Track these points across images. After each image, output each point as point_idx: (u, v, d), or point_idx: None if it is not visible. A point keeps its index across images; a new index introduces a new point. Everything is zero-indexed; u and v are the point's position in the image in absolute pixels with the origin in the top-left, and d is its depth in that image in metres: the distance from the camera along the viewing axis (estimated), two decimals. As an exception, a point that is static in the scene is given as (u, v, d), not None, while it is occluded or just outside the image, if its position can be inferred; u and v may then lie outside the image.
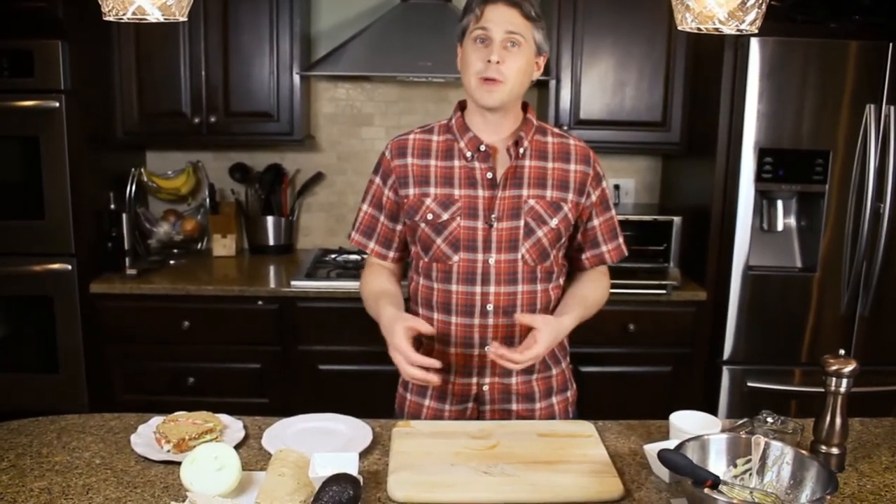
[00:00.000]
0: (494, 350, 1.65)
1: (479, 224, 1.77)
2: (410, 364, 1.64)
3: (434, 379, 1.66)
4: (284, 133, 3.28)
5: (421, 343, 1.84)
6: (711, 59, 3.05)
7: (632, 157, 3.65)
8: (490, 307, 1.78)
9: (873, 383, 2.99)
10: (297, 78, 3.22)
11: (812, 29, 2.94)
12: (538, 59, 1.77)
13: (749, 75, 2.87)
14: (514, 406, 1.85)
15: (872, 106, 2.87)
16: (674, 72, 3.22)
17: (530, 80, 1.77)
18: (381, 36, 3.18)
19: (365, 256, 1.99)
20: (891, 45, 2.85)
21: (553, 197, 1.78)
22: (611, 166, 3.62)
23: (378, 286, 1.87)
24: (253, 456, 1.61)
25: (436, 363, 1.66)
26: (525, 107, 1.83)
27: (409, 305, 1.89)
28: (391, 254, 1.91)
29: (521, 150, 1.78)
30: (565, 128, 3.23)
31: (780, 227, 3.04)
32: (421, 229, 1.80)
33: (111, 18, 1.42)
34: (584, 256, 1.91)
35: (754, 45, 2.86)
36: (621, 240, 1.93)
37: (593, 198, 1.84)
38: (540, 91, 3.50)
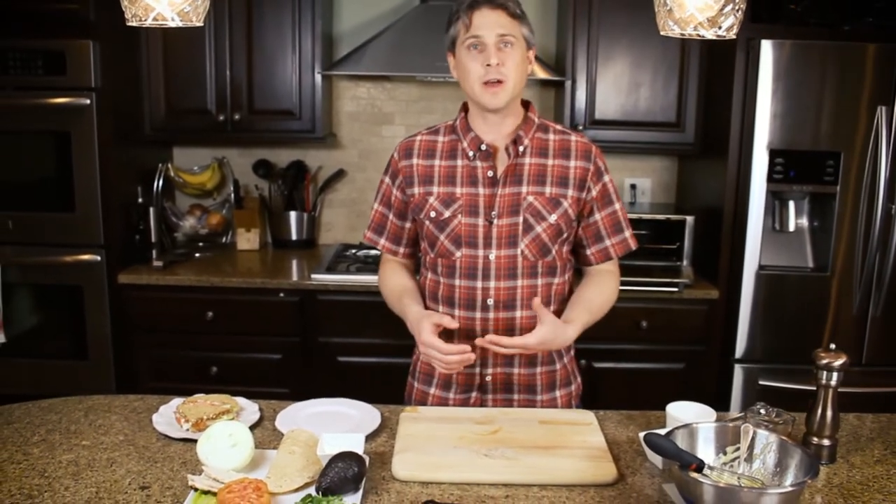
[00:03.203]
0: (489, 338, 1.73)
1: (480, 221, 1.83)
2: (445, 354, 1.71)
3: (471, 356, 1.73)
4: (307, 130, 3.36)
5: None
6: (724, 60, 3.08)
7: (648, 156, 3.68)
8: (490, 301, 1.84)
9: (885, 384, 3.01)
10: (318, 77, 3.30)
11: (825, 31, 2.95)
12: (528, 54, 1.83)
13: (760, 77, 2.89)
14: (515, 396, 1.91)
15: (884, 108, 2.88)
16: (688, 73, 3.25)
17: (527, 76, 1.84)
18: (402, 36, 3.25)
19: (382, 252, 2.06)
20: (903, 47, 2.86)
21: (552, 193, 1.83)
22: (627, 166, 3.66)
23: (398, 283, 1.95)
24: (267, 436, 1.69)
25: (466, 348, 1.72)
26: (527, 106, 1.89)
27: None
28: (401, 250, 1.99)
29: (521, 149, 1.84)
30: (580, 128, 3.27)
31: (791, 228, 3.06)
32: (426, 226, 1.88)
33: (134, 24, 1.51)
34: (588, 252, 1.92)
35: (766, 47, 2.88)
36: (628, 234, 1.92)
37: (594, 192, 1.87)
38: (556, 92, 3.55)
